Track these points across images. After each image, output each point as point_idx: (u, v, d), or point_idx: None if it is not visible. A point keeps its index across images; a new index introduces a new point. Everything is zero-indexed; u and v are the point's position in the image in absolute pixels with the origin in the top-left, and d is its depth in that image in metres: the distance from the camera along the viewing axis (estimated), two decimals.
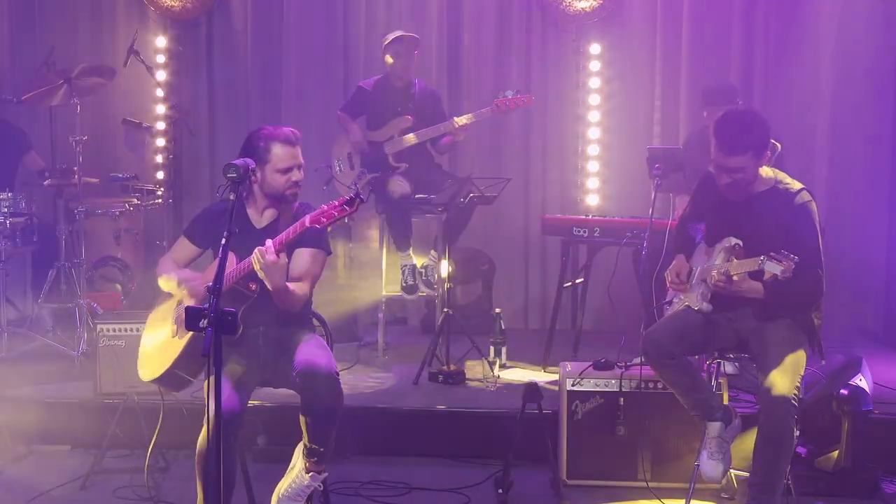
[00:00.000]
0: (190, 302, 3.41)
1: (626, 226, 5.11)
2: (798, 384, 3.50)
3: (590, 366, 4.30)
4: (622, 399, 4.16)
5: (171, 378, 3.54)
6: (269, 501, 3.54)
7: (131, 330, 4.59)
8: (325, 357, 3.45)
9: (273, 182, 3.52)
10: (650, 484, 4.08)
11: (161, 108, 6.89)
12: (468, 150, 6.60)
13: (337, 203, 3.15)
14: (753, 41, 6.38)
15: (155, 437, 4.03)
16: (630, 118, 6.57)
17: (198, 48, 6.94)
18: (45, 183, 5.78)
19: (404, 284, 5.60)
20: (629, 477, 4.15)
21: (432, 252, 5.67)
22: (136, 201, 6.19)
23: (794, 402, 3.45)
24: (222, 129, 6.94)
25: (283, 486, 3.50)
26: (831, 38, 6.21)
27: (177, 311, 3.56)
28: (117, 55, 6.61)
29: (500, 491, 4.02)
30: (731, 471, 3.93)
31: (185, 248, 3.71)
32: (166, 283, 3.62)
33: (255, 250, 3.25)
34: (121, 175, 6.27)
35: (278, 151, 3.49)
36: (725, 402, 3.96)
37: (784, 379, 3.47)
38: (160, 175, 6.91)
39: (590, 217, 5.41)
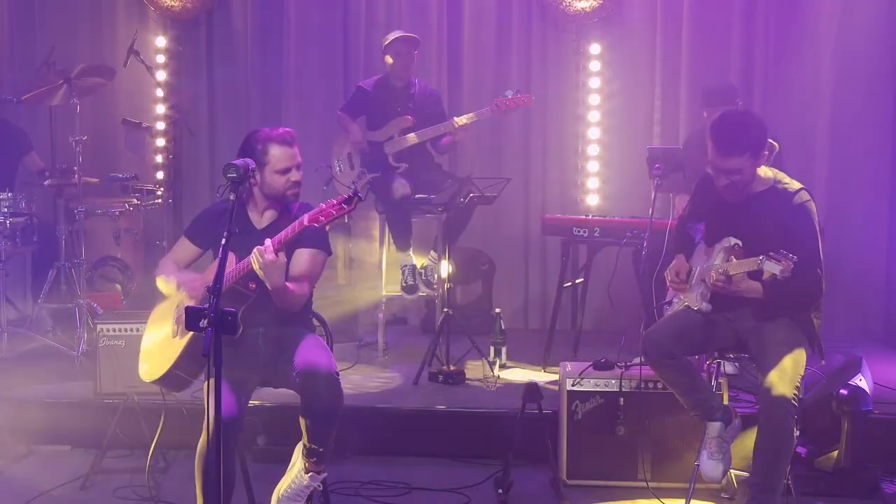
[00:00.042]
0: (189, 303, 3.41)
1: (626, 226, 5.11)
2: (798, 384, 3.50)
3: (590, 366, 4.30)
4: (622, 399, 4.16)
5: (172, 379, 3.54)
6: (269, 501, 3.54)
7: (131, 330, 4.60)
8: (325, 357, 3.45)
9: (273, 183, 3.52)
10: (650, 484, 4.08)
11: (161, 108, 6.90)
12: (468, 150, 6.61)
13: (335, 202, 3.15)
14: (753, 41, 6.38)
15: (157, 437, 4.03)
16: (630, 118, 6.57)
17: (198, 48, 6.95)
18: (45, 183, 5.78)
19: (404, 284, 5.60)
20: (629, 477, 4.15)
21: (432, 252, 5.67)
22: (136, 201, 6.19)
23: (794, 402, 3.45)
24: (222, 129, 6.94)
25: (282, 487, 3.50)
26: (831, 38, 6.21)
27: (177, 311, 3.56)
28: (117, 55, 6.61)
29: (500, 491, 4.02)
30: (731, 471, 3.93)
31: (185, 248, 3.72)
32: (165, 285, 3.63)
33: (255, 249, 3.25)
34: (121, 175, 6.27)
35: (276, 153, 3.49)
36: (725, 402, 3.96)
37: (784, 379, 3.47)
38: (160, 175, 6.91)
39: (590, 217, 5.41)
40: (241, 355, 3.50)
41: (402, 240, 5.56)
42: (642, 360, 3.86)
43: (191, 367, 3.49)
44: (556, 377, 4.66)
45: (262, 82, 6.88)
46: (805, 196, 3.64)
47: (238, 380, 3.44)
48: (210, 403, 2.79)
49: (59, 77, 5.65)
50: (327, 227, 3.31)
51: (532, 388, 4.10)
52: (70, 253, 5.61)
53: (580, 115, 6.62)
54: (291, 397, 3.50)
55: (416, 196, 5.53)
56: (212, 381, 2.74)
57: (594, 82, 6.57)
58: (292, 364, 3.43)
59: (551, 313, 5.57)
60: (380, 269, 5.74)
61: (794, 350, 3.56)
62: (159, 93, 6.74)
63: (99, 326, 4.65)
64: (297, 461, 3.49)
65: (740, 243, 3.64)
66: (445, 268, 5.23)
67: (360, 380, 5.11)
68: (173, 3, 6.79)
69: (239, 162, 3.23)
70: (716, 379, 4.03)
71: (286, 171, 3.51)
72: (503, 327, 5.37)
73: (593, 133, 6.59)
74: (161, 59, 6.88)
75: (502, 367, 5.29)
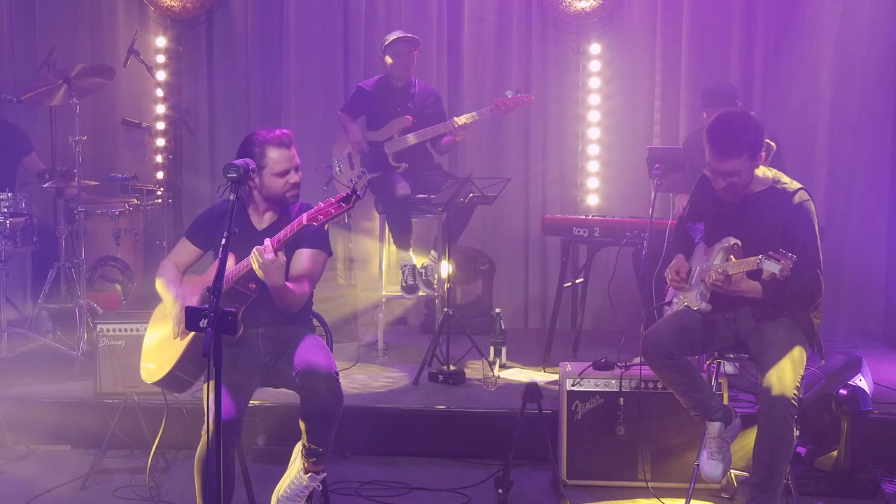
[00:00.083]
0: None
1: (626, 226, 5.11)
2: (798, 384, 3.49)
3: (590, 366, 4.30)
4: (622, 399, 4.16)
5: (173, 380, 3.54)
6: (269, 502, 3.54)
7: (131, 330, 4.61)
8: (325, 357, 3.45)
9: (271, 186, 3.52)
10: (650, 484, 4.08)
11: (161, 108, 6.90)
12: (468, 150, 6.61)
13: (334, 200, 3.15)
14: (753, 41, 6.38)
15: (159, 437, 4.03)
16: (630, 118, 6.57)
17: (198, 48, 6.95)
18: (45, 185, 5.78)
19: (404, 284, 5.60)
20: (629, 477, 4.15)
21: (432, 252, 5.68)
22: (135, 201, 6.19)
23: (793, 401, 3.45)
24: (222, 129, 6.94)
25: (282, 487, 3.50)
26: (831, 39, 6.21)
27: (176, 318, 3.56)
28: (117, 55, 6.61)
29: (500, 491, 4.02)
30: (731, 471, 3.93)
31: (186, 250, 3.72)
32: (164, 293, 3.62)
33: (254, 249, 3.25)
34: (120, 175, 6.27)
35: (273, 155, 3.49)
36: (725, 402, 3.96)
37: (784, 379, 3.47)
38: (160, 175, 6.91)
39: (590, 217, 5.40)
40: (241, 356, 3.50)
41: (402, 240, 5.56)
42: (642, 360, 3.86)
43: (192, 368, 3.49)
44: (556, 377, 4.66)
45: (262, 82, 6.88)
46: (804, 196, 3.64)
47: (238, 380, 3.44)
48: (210, 404, 2.79)
49: (59, 77, 5.65)
50: (326, 226, 3.32)
51: (532, 388, 4.10)
52: (70, 253, 5.60)
53: (580, 115, 6.62)
54: (291, 397, 3.50)
55: (416, 196, 5.54)
56: (212, 381, 2.74)
57: (594, 82, 6.57)
58: (292, 364, 3.43)
59: (551, 313, 5.56)
60: (380, 269, 5.74)
61: (794, 350, 3.56)
62: (159, 93, 6.74)
63: (99, 326, 4.66)
64: (297, 461, 3.49)
65: (739, 243, 3.64)
66: (445, 268, 5.23)
67: (361, 380, 5.11)
68: (173, 3, 6.80)
69: (239, 162, 3.23)
70: (716, 379, 4.03)
71: (284, 173, 3.51)
72: (503, 327, 5.37)
73: (593, 133, 6.59)
74: (161, 59, 6.89)
75: (502, 367, 5.29)
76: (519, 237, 6.76)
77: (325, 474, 3.48)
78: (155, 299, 3.77)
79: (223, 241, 3.00)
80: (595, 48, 6.55)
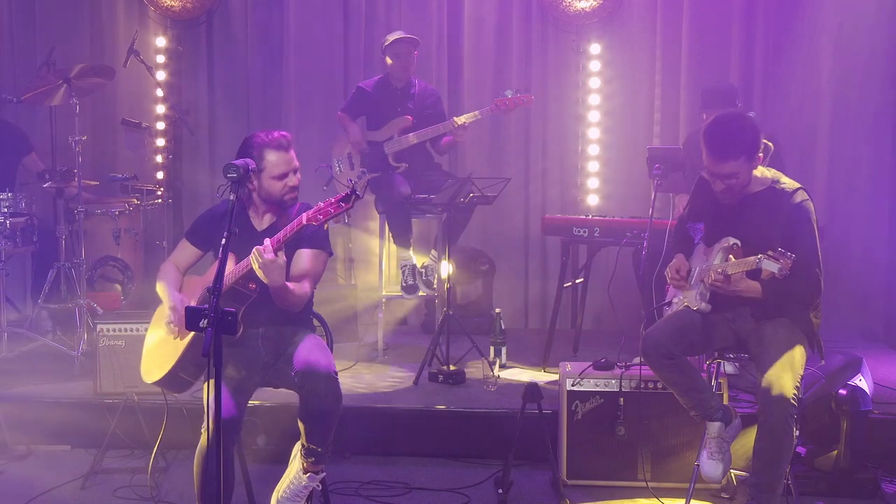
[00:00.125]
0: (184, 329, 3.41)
1: (626, 226, 5.11)
2: (797, 384, 3.49)
3: (590, 366, 4.30)
4: (622, 399, 4.16)
5: (174, 380, 3.54)
6: (269, 502, 3.54)
7: (131, 330, 4.61)
8: (325, 357, 3.45)
9: (270, 189, 3.52)
10: (650, 484, 4.08)
11: (161, 108, 6.90)
12: (468, 150, 6.61)
13: (333, 200, 3.16)
14: (753, 41, 6.39)
15: (160, 437, 4.03)
16: (630, 118, 6.57)
17: (198, 48, 6.95)
18: (45, 185, 5.78)
19: (404, 284, 5.60)
20: (629, 477, 4.15)
21: (432, 252, 5.68)
22: (135, 201, 6.19)
23: (793, 401, 3.44)
24: (222, 129, 6.94)
25: (281, 487, 3.50)
26: (831, 39, 6.21)
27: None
28: (117, 55, 6.61)
29: (500, 491, 4.02)
30: (731, 471, 3.93)
31: (186, 251, 3.72)
32: (163, 296, 3.62)
33: (254, 249, 3.26)
34: (120, 175, 6.27)
35: (272, 158, 3.49)
36: (725, 402, 3.96)
37: (783, 379, 3.47)
38: (160, 175, 6.91)
39: (590, 217, 5.40)
40: (241, 356, 3.50)
41: (403, 239, 5.56)
42: (642, 360, 3.86)
43: (192, 368, 3.50)
44: (556, 377, 4.66)
45: (262, 82, 6.88)
46: (803, 195, 3.64)
47: (238, 380, 3.44)
48: (210, 403, 2.79)
49: (59, 77, 5.65)
50: (326, 226, 3.32)
51: (532, 388, 4.10)
52: (70, 253, 5.60)
53: (580, 115, 6.62)
54: (291, 397, 3.50)
55: (417, 196, 5.54)
56: (211, 381, 2.74)
57: (594, 82, 6.57)
58: (292, 364, 3.44)
59: (551, 313, 5.56)
60: (380, 269, 5.74)
61: (794, 350, 3.56)
62: (159, 93, 6.74)
63: (99, 326, 4.66)
64: (296, 461, 3.49)
65: (739, 243, 3.64)
66: (445, 268, 5.23)
67: (360, 380, 5.11)
68: (173, 3, 6.80)
69: (239, 162, 3.24)
70: (716, 379, 4.03)
71: (283, 176, 3.51)
72: (503, 327, 5.37)
73: (593, 133, 6.59)
74: (161, 59, 6.89)
75: (502, 367, 5.29)
76: (519, 237, 6.76)
77: (324, 474, 3.48)
78: (155, 300, 3.77)
79: (223, 241, 3.00)
80: (595, 48, 6.56)
